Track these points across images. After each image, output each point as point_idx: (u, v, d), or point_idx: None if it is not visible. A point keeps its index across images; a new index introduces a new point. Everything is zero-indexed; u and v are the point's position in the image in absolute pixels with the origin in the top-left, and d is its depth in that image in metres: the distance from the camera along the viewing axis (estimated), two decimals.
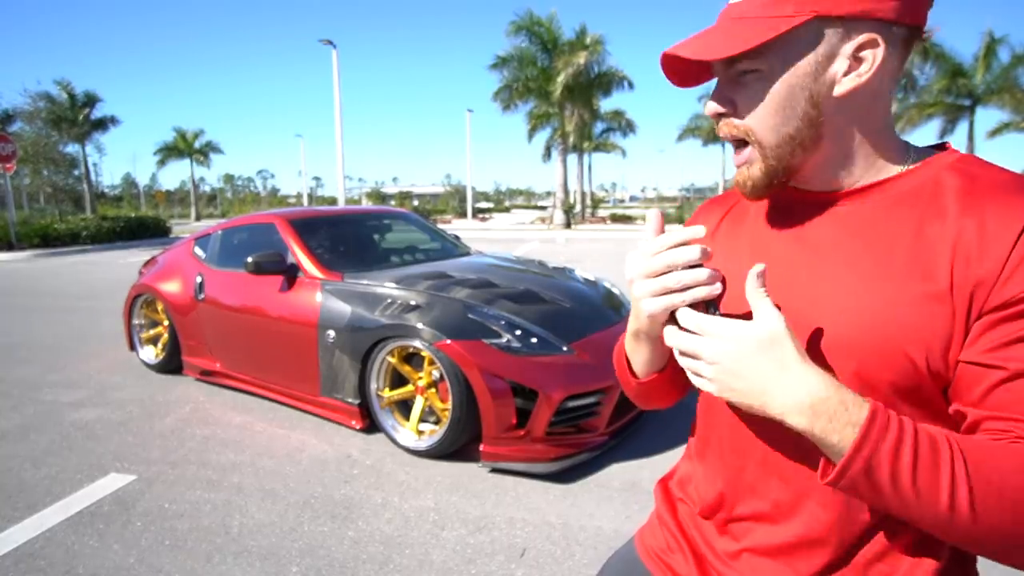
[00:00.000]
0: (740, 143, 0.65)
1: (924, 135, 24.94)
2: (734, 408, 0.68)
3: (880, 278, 0.58)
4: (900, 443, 0.50)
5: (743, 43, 0.58)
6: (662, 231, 0.64)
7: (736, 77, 0.62)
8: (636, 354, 0.79)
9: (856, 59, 0.58)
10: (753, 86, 0.61)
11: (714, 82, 0.67)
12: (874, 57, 0.57)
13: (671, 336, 0.62)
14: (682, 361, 0.61)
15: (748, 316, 0.57)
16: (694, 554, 0.78)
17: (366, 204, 41.16)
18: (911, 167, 0.62)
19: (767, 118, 0.61)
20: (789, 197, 0.69)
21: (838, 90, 0.59)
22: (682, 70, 0.67)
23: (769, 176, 0.64)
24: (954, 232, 0.55)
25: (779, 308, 0.57)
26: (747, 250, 0.71)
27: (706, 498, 0.76)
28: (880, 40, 0.56)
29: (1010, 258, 0.52)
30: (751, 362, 0.55)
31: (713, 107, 0.64)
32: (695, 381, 0.60)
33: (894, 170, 0.63)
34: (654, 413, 3.32)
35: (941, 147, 0.65)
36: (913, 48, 0.61)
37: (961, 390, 0.55)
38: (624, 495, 2.51)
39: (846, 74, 0.58)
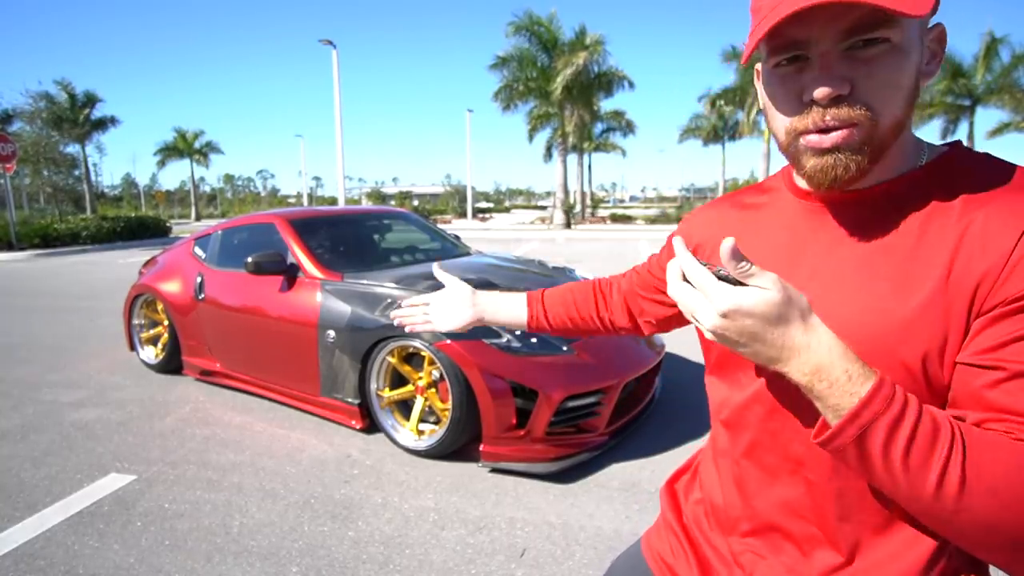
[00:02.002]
0: (835, 127, 0.57)
1: (924, 135, 24.90)
2: (771, 423, 0.67)
3: (879, 278, 0.57)
4: (900, 420, 0.49)
5: (922, 2, 0.51)
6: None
7: (852, 52, 0.55)
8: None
9: (931, 50, 0.58)
10: (883, 61, 0.54)
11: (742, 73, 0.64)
12: (942, 45, 0.58)
13: (674, 287, 0.58)
14: (682, 295, 0.57)
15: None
16: (698, 559, 0.77)
17: (366, 204, 41.16)
18: (924, 163, 0.61)
19: (892, 96, 0.56)
20: (793, 197, 0.68)
21: (924, 75, 0.58)
22: (781, 36, 0.57)
23: (873, 164, 0.58)
24: (958, 229, 0.54)
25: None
26: (762, 246, 0.70)
27: (723, 506, 0.75)
28: (943, 33, 0.58)
29: (1012, 255, 0.51)
30: (759, 334, 0.53)
31: (827, 91, 0.55)
32: (689, 314, 0.57)
33: (912, 166, 0.62)
34: (654, 413, 3.32)
35: (954, 145, 0.64)
36: None
37: (959, 393, 0.54)
38: (624, 495, 2.51)
39: (928, 63, 0.58)
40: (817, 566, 0.65)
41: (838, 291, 0.60)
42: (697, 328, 0.64)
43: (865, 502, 0.61)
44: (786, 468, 0.66)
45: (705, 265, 0.55)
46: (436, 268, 1.21)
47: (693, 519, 0.81)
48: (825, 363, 0.51)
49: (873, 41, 0.54)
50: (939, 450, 0.49)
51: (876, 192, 0.61)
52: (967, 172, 0.58)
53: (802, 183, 0.68)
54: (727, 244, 0.52)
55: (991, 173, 0.57)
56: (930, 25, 0.58)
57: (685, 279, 0.57)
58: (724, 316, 0.53)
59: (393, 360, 2.98)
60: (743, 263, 0.52)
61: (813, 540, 0.65)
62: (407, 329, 1.17)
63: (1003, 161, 0.59)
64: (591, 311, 1.03)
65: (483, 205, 63.57)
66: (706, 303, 0.54)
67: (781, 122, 0.61)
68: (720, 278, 0.54)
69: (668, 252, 0.88)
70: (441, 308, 1.13)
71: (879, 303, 0.57)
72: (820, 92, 0.56)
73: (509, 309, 1.10)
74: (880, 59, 0.54)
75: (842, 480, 0.62)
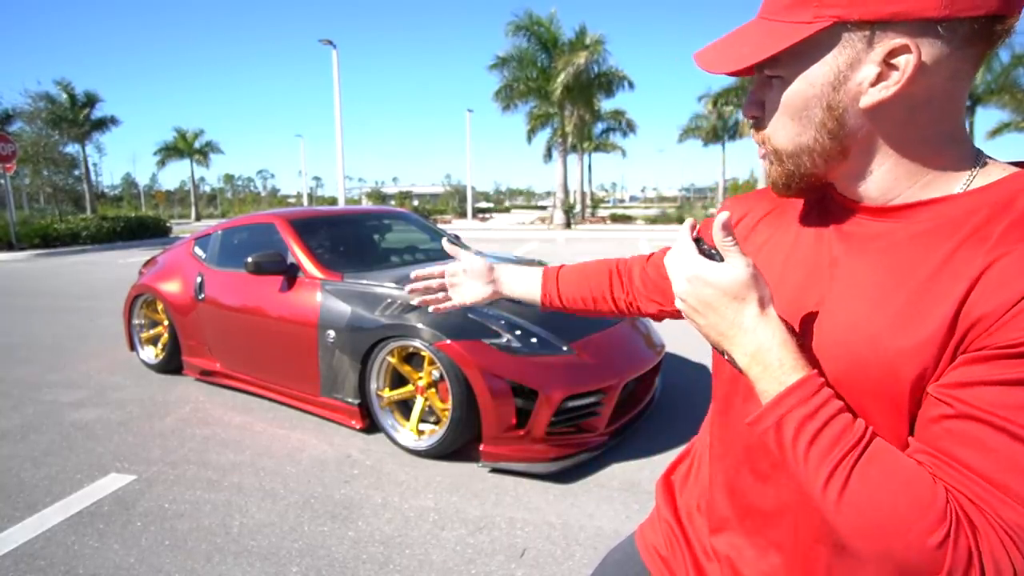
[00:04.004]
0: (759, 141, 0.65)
1: None
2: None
3: (885, 304, 0.55)
4: (813, 415, 0.53)
5: (749, 56, 0.56)
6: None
7: (766, 80, 0.59)
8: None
9: (888, 66, 0.51)
10: (776, 91, 0.58)
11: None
12: (906, 65, 0.50)
13: (669, 255, 0.65)
14: (673, 266, 0.64)
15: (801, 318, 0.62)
16: (691, 553, 0.78)
17: (366, 204, 41.16)
18: (971, 189, 0.54)
19: (784, 126, 0.59)
20: (832, 200, 0.66)
21: (864, 101, 0.53)
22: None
23: (787, 178, 0.62)
24: (981, 266, 0.49)
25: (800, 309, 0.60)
26: (774, 243, 0.71)
27: (714, 503, 0.76)
28: (914, 47, 0.50)
29: (1016, 306, 0.46)
30: (714, 305, 0.58)
31: (746, 110, 0.63)
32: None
33: (951, 188, 0.55)
34: (654, 413, 3.32)
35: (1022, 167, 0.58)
36: (1000, 41, 0.51)
37: (919, 418, 0.53)
38: (624, 495, 2.51)
39: (874, 84, 0.52)
40: (805, 566, 0.65)
41: (842, 305, 0.59)
42: (712, 352, 0.70)
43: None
44: (774, 474, 0.66)
45: (702, 245, 0.61)
46: (446, 243, 1.20)
47: (687, 513, 0.81)
48: (764, 347, 0.56)
49: (772, 75, 0.58)
50: (836, 452, 0.51)
51: (903, 209, 0.58)
52: (1020, 204, 0.51)
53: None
54: (720, 217, 0.57)
55: None
56: (894, 43, 0.51)
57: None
58: (688, 281, 0.59)
59: (393, 360, 2.98)
60: (728, 238, 0.57)
61: (799, 544, 0.65)
62: (431, 309, 1.14)
63: None
64: (605, 291, 1.00)
65: (483, 205, 63.55)
66: (679, 268, 0.61)
67: None
68: (703, 252, 0.60)
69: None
70: (458, 281, 1.11)
71: (877, 330, 0.55)
72: (742, 112, 0.64)
73: (525, 284, 1.08)
74: (775, 89, 0.59)
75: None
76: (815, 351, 0.59)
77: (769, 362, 0.55)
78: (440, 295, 1.14)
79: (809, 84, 0.55)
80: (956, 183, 0.55)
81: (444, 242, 1.19)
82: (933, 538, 0.47)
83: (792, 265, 0.66)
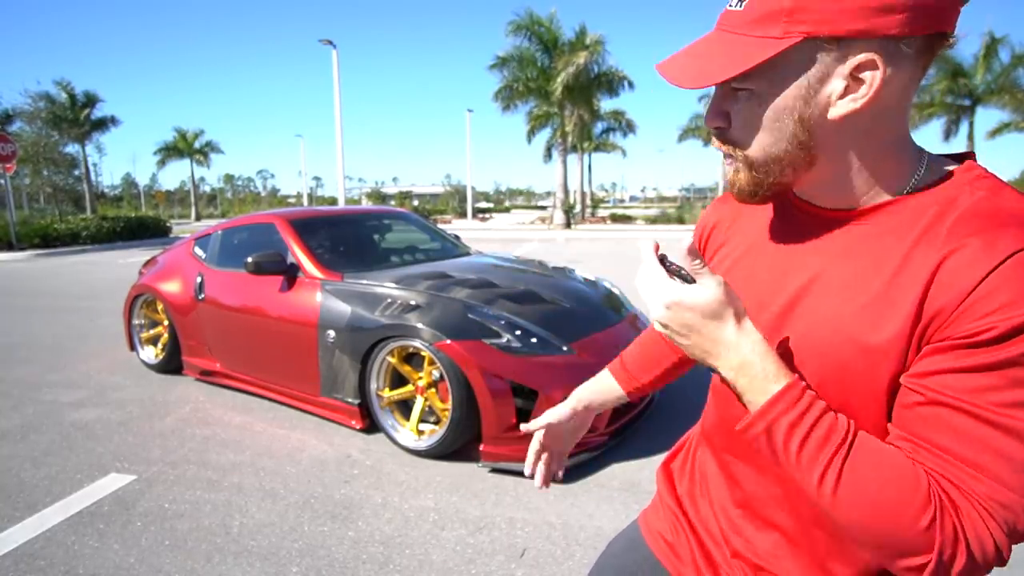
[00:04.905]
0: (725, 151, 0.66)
1: (925, 135, 24.96)
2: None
3: (854, 303, 0.58)
4: (800, 420, 0.55)
5: (720, 72, 0.57)
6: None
7: (730, 91, 0.61)
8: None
9: (855, 79, 0.54)
10: (744, 104, 0.59)
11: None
12: (873, 79, 0.53)
13: (638, 280, 0.65)
14: (646, 288, 0.64)
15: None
16: (696, 537, 0.80)
17: (366, 204, 41.15)
18: (919, 190, 0.59)
19: (755, 138, 0.60)
20: (794, 205, 0.69)
21: (833, 113, 0.56)
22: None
23: (755, 186, 0.63)
24: (936, 260, 0.53)
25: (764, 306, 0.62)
26: (745, 249, 0.74)
27: (717, 491, 0.78)
28: (880, 61, 0.52)
29: (970, 296, 0.50)
30: (695, 327, 0.60)
31: (709, 123, 0.64)
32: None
33: (902, 189, 0.60)
34: (654, 413, 3.32)
35: (962, 157, 0.62)
36: (938, 53, 0.57)
37: (895, 409, 0.57)
38: (624, 495, 2.51)
39: (842, 96, 0.55)
40: (804, 545, 0.68)
41: (814, 308, 0.62)
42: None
43: None
44: (770, 465, 0.68)
45: (670, 265, 0.63)
46: (531, 426, 1.01)
47: (688, 498, 0.83)
48: (748, 361, 0.58)
49: (740, 88, 0.59)
50: (826, 450, 0.54)
51: (863, 213, 0.61)
52: (962, 200, 0.56)
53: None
54: (684, 243, 0.61)
55: (989, 203, 0.55)
56: (860, 58, 0.53)
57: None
58: (667, 308, 0.60)
59: (393, 360, 2.98)
60: (696, 261, 0.60)
61: (798, 526, 0.68)
62: (539, 488, 1.05)
63: (1010, 192, 0.57)
64: (663, 346, 0.96)
65: (483, 205, 63.55)
66: (656, 296, 0.61)
67: None
68: (676, 275, 0.62)
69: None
70: (549, 444, 1.03)
71: (851, 329, 0.58)
72: (706, 122, 0.64)
73: (601, 391, 1.02)
74: (743, 101, 0.60)
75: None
76: (794, 353, 0.62)
77: (754, 374, 0.58)
78: (553, 467, 1.05)
79: (781, 98, 0.57)
80: (907, 184, 0.60)
81: (530, 426, 1.01)
82: (923, 521, 0.50)
83: (761, 270, 0.69)
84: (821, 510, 0.56)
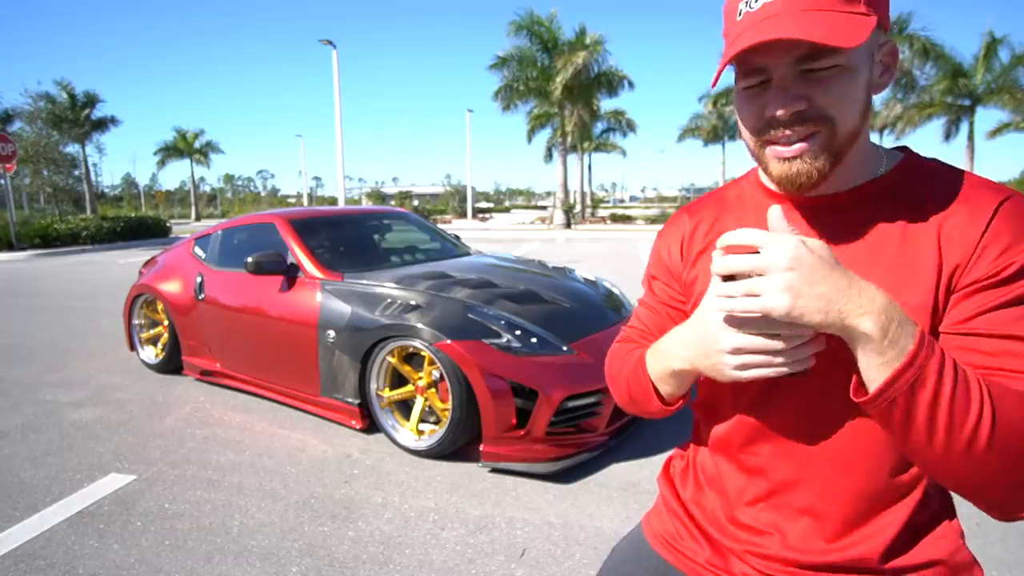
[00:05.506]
0: (796, 140, 0.63)
1: (925, 135, 24.91)
2: (791, 409, 0.70)
3: (868, 276, 0.59)
4: (944, 364, 0.53)
5: (857, 36, 0.57)
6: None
7: (807, 73, 0.61)
8: (667, 384, 0.77)
9: (883, 64, 0.65)
10: (835, 80, 0.61)
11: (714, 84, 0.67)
12: (895, 60, 0.65)
13: (721, 262, 0.58)
14: (732, 287, 0.57)
15: None
16: (705, 536, 0.80)
17: (366, 204, 41.16)
18: (888, 170, 0.68)
19: (848, 112, 0.62)
20: (774, 198, 0.73)
21: (876, 92, 0.65)
22: (745, 62, 0.64)
23: (832, 169, 0.65)
24: (935, 230, 0.62)
25: None
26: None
27: (724, 486, 0.78)
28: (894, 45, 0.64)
29: (979, 245, 0.59)
30: (825, 271, 0.54)
31: (783, 111, 0.62)
32: (752, 304, 0.55)
33: (876, 172, 0.69)
34: None
35: (907, 151, 0.71)
36: None
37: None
38: (624, 495, 2.51)
39: (881, 75, 0.65)
40: (823, 534, 0.69)
41: None
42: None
43: (856, 469, 0.67)
44: (796, 449, 0.70)
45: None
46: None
47: (693, 500, 0.83)
48: (888, 301, 0.54)
49: (831, 64, 0.61)
50: (974, 398, 0.52)
51: (845, 198, 0.68)
52: (928, 177, 0.66)
53: (770, 184, 0.74)
54: (775, 211, 0.58)
55: (948, 177, 0.66)
56: (882, 43, 0.64)
57: (725, 279, 0.59)
58: (790, 268, 0.53)
59: (393, 360, 2.98)
60: (792, 227, 0.58)
61: (814, 511, 0.69)
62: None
63: (951, 166, 0.68)
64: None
65: (483, 205, 63.55)
66: (767, 275, 0.54)
67: (748, 135, 0.68)
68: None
69: (664, 275, 0.85)
70: None
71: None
72: (779, 112, 0.63)
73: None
74: (833, 78, 0.61)
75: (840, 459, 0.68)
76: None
77: (899, 318, 0.54)
78: None
79: (868, 70, 0.63)
80: (880, 166, 0.69)
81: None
82: None
83: None
84: (956, 471, 0.54)
